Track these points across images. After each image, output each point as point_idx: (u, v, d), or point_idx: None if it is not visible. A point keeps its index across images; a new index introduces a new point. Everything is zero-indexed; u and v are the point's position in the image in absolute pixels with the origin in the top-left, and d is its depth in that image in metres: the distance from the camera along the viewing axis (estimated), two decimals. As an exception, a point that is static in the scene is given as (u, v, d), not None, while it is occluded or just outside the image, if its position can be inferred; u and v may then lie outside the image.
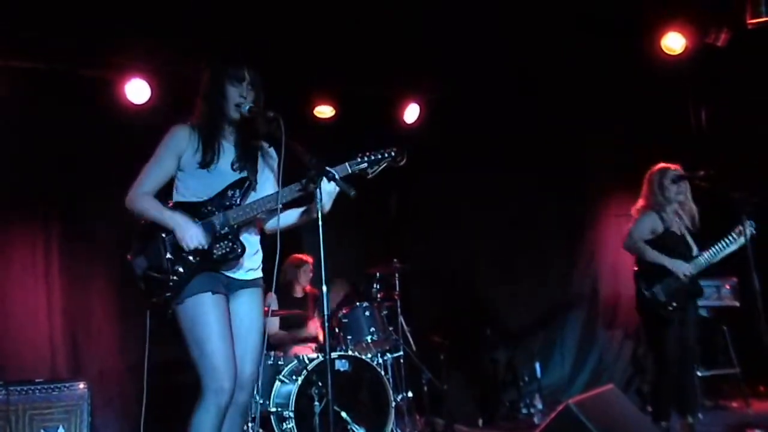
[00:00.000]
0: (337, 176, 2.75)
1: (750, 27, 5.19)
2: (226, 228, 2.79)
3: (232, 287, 2.85)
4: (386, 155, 2.89)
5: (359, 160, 2.87)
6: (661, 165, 4.47)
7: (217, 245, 2.78)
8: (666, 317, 4.32)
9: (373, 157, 2.88)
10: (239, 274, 2.87)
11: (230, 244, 2.79)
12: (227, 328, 2.74)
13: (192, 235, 2.71)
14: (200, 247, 2.73)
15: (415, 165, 6.57)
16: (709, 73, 5.93)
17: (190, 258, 2.74)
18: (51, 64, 5.24)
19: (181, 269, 2.73)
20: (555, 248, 6.93)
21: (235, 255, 2.80)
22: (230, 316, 2.82)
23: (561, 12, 5.36)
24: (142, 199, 2.81)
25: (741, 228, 4.08)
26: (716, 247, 4.32)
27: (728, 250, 4.30)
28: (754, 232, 4.09)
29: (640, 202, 4.53)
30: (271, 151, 3.02)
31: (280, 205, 2.80)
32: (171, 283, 2.72)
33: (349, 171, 2.84)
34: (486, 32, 5.52)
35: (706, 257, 4.34)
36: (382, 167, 2.90)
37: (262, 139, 2.98)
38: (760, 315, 3.71)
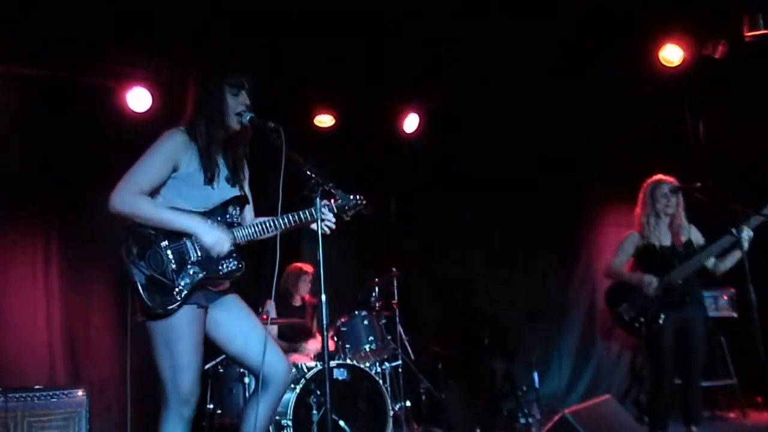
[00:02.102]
0: (335, 187, 2.81)
1: (747, 39, 5.23)
2: (231, 246, 2.78)
3: (211, 299, 2.82)
4: (358, 202, 2.97)
5: (337, 200, 2.92)
6: (656, 177, 4.47)
7: (223, 262, 2.76)
8: (638, 334, 4.38)
9: (348, 202, 2.94)
10: (217, 286, 2.85)
11: (236, 262, 2.79)
12: (201, 344, 2.74)
13: (223, 243, 2.71)
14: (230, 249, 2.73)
15: (415, 174, 6.67)
16: (706, 85, 5.96)
17: (194, 271, 2.70)
18: (53, 71, 5.26)
19: (186, 282, 2.68)
20: (553, 258, 6.95)
21: (240, 272, 2.80)
22: (214, 324, 2.81)
23: (560, 24, 5.39)
24: (142, 200, 2.67)
25: (732, 234, 4.04)
26: (698, 255, 4.28)
27: (710, 254, 4.24)
28: (749, 236, 4.03)
29: (636, 211, 4.54)
30: (245, 166, 3.02)
31: (281, 229, 2.83)
32: (177, 297, 2.64)
33: (349, 198, 2.93)
34: (485, 43, 5.56)
35: (691, 262, 4.27)
36: (355, 211, 2.98)
37: (247, 151, 2.97)
38: (757, 326, 3.72)
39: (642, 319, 4.33)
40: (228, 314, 2.84)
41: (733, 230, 4.04)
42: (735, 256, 4.20)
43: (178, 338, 2.65)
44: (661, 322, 4.26)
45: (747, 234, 4.03)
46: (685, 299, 4.28)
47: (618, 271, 4.51)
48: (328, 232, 2.86)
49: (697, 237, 4.41)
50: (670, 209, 4.38)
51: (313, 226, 2.79)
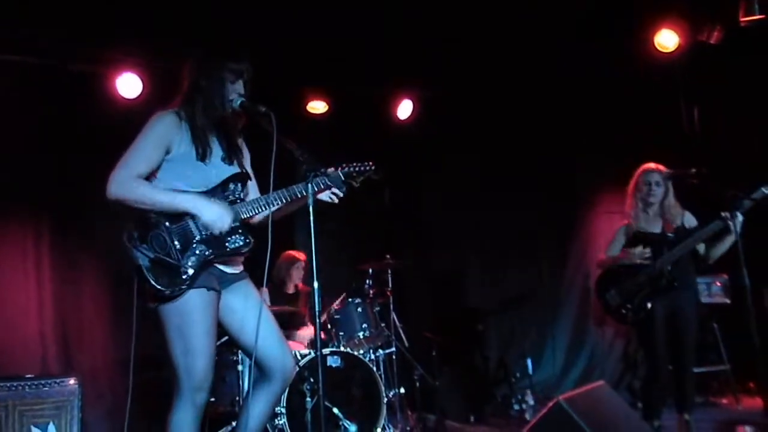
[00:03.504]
0: (328, 171, 2.81)
1: (743, 25, 5.20)
2: (236, 222, 2.76)
3: (224, 282, 2.80)
4: (368, 168, 2.98)
5: (345, 168, 2.95)
6: (645, 165, 4.44)
7: (230, 238, 2.74)
8: (624, 320, 4.39)
9: (356, 169, 2.97)
10: (230, 268, 2.83)
11: (242, 237, 2.77)
12: (214, 329, 2.71)
13: (224, 218, 2.69)
14: (232, 225, 2.72)
15: (408, 161, 6.64)
16: (701, 70, 5.94)
17: (200, 250, 2.67)
18: (42, 58, 5.20)
19: (192, 260, 2.65)
20: (547, 245, 6.96)
21: (248, 248, 2.78)
22: (228, 310, 2.80)
23: (554, 10, 5.36)
24: (138, 183, 2.65)
25: (721, 219, 4.03)
26: (687, 240, 4.23)
27: (699, 239, 4.20)
28: (739, 221, 4.00)
29: (627, 200, 4.51)
30: (244, 147, 3.01)
31: (272, 209, 2.81)
32: (184, 276, 2.62)
33: (341, 180, 2.93)
34: (479, 30, 5.53)
35: (678, 248, 4.22)
36: (363, 178, 2.99)
37: (242, 133, 2.97)
38: (750, 312, 3.72)
39: (629, 306, 4.33)
40: (242, 302, 2.82)
41: (722, 215, 4.02)
42: (726, 243, 4.16)
43: (191, 322, 2.62)
44: (648, 309, 4.24)
45: (737, 219, 3.99)
46: (673, 285, 4.23)
47: (612, 257, 4.49)
48: (336, 200, 2.92)
49: (691, 222, 4.38)
50: (654, 197, 4.35)
51: (322, 196, 2.88)
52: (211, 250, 2.70)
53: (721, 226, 4.06)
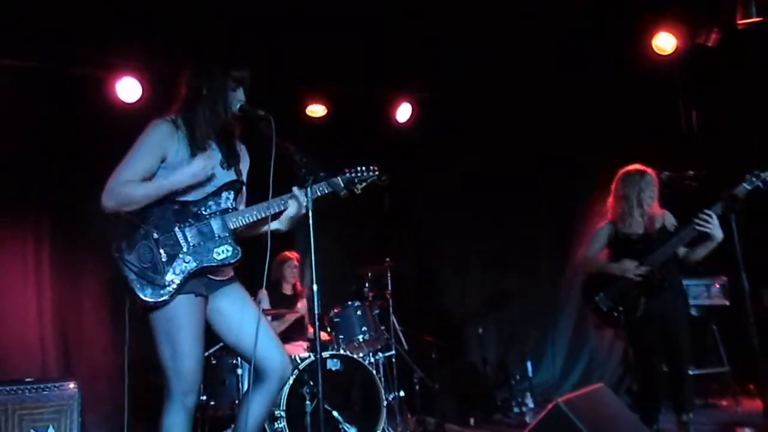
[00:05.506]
0: (330, 178, 2.82)
1: (740, 27, 5.21)
2: (226, 232, 2.76)
3: (211, 288, 2.80)
4: (371, 173, 2.99)
5: (347, 174, 2.96)
6: (637, 167, 4.36)
7: (217, 249, 2.74)
8: (617, 323, 4.27)
9: (359, 174, 2.97)
10: (218, 276, 2.83)
11: (230, 248, 2.76)
12: (202, 333, 2.73)
13: (203, 167, 2.68)
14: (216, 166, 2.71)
15: (408, 164, 6.67)
16: (699, 73, 5.95)
17: (186, 261, 2.68)
18: (42, 62, 5.21)
19: (177, 271, 2.66)
20: (546, 248, 6.96)
21: (236, 260, 2.77)
22: (218, 315, 2.80)
23: (552, 12, 5.37)
24: (127, 185, 2.65)
25: (700, 218, 4.00)
26: (671, 240, 4.16)
27: (682, 241, 4.13)
28: (711, 225, 3.97)
29: (610, 201, 4.43)
30: (244, 151, 3.00)
31: (271, 212, 2.82)
32: (169, 287, 2.63)
33: (341, 184, 2.93)
34: (478, 32, 5.54)
35: (666, 247, 4.15)
36: (367, 183, 3.00)
37: (242, 138, 2.96)
38: (749, 314, 3.71)
39: (620, 308, 4.23)
40: (229, 304, 2.82)
41: (694, 225, 3.99)
42: (708, 247, 4.10)
43: (178, 327, 2.65)
44: (640, 311, 4.17)
45: (713, 222, 3.96)
46: (663, 285, 4.16)
47: (595, 260, 4.40)
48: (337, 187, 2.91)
49: (671, 222, 4.31)
50: (654, 200, 4.28)
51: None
52: (197, 262, 2.70)
53: (693, 234, 4.03)
